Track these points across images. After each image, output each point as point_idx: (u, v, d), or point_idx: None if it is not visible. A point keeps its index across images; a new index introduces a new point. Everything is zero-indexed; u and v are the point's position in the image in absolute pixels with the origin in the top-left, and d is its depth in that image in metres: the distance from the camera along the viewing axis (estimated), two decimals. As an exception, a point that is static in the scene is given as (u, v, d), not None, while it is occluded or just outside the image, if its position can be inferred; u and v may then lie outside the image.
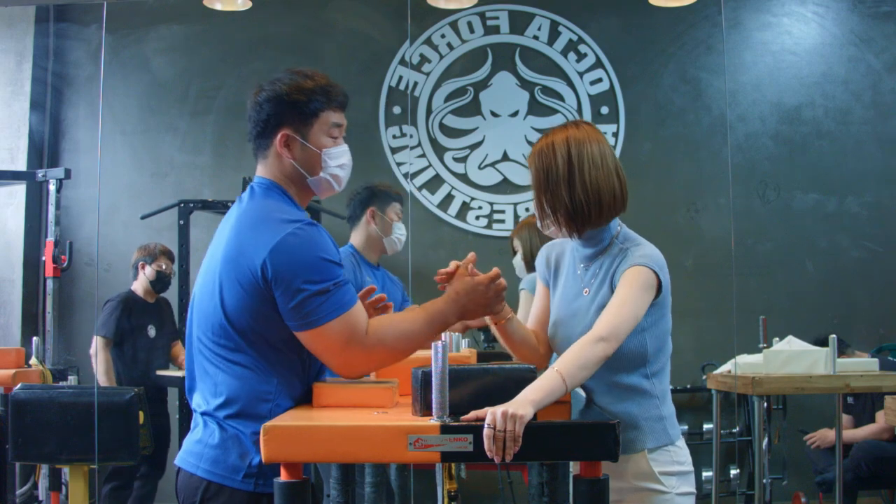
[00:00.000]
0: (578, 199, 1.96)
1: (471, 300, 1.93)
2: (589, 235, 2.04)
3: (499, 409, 1.64)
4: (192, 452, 1.88)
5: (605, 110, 5.51)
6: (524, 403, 1.68)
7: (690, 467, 2.04)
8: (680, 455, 2.01)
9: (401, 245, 3.55)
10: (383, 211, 3.46)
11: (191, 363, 1.96)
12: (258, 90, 1.94)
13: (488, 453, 1.63)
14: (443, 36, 5.55)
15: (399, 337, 1.89)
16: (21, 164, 5.32)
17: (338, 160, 1.96)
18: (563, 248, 2.15)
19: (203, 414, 1.90)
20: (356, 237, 3.52)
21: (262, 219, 1.86)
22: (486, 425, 1.64)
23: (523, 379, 1.78)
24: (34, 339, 4.29)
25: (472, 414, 1.67)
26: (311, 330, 1.81)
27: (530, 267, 3.57)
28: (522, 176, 5.46)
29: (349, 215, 3.57)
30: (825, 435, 4.60)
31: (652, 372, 2.01)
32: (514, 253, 3.69)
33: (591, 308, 1.99)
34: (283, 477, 1.70)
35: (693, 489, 2.04)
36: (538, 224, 2.08)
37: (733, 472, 4.99)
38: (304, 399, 1.93)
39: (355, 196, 3.53)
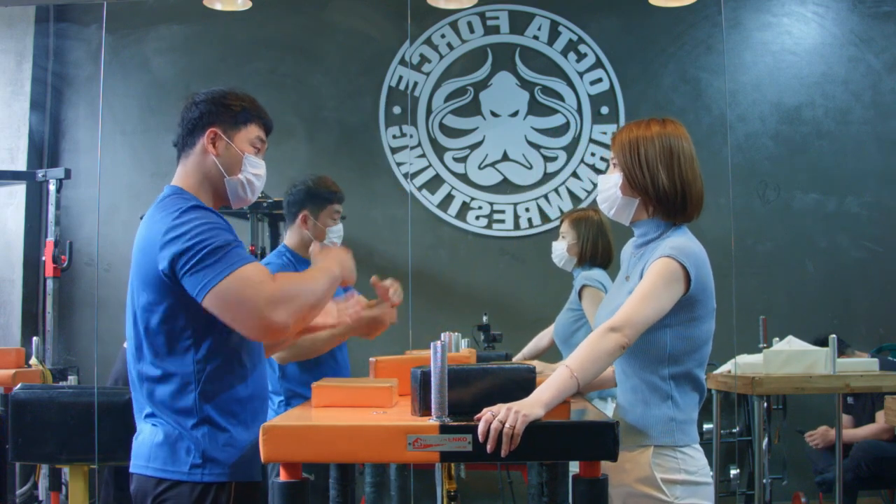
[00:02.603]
0: (669, 183, 1.96)
1: (340, 262, 2.07)
2: (640, 225, 2.02)
3: (509, 405, 1.65)
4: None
5: (605, 110, 5.50)
6: (534, 404, 1.67)
7: (703, 478, 1.92)
8: (689, 463, 1.91)
9: (339, 244, 3.13)
10: (316, 216, 3.04)
11: None
12: (192, 95, 2.04)
13: (480, 437, 1.62)
14: (443, 36, 5.55)
15: (300, 287, 1.89)
16: (21, 164, 5.32)
17: (256, 168, 2.05)
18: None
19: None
20: (290, 238, 3.12)
21: (153, 219, 1.90)
22: (489, 411, 1.64)
23: (523, 379, 1.78)
24: (34, 339, 4.28)
25: (481, 413, 1.66)
26: (209, 292, 1.78)
27: (581, 260, 3.55)
28: (522, 176, 5.47)
29: (285, 212, 3.18)
30: (826, 433, 4.59)
31: (672, 374, 1.91)
32: (561, 238, 3.62)
33: (625, 296, 1.91)
34: (283, 477, 1.69)
35: (705, 502, 1.91)
36: (607, 207, 2.04)
37: (733, 472, 4.98)
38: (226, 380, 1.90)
39: (291, 192, 3.11)
